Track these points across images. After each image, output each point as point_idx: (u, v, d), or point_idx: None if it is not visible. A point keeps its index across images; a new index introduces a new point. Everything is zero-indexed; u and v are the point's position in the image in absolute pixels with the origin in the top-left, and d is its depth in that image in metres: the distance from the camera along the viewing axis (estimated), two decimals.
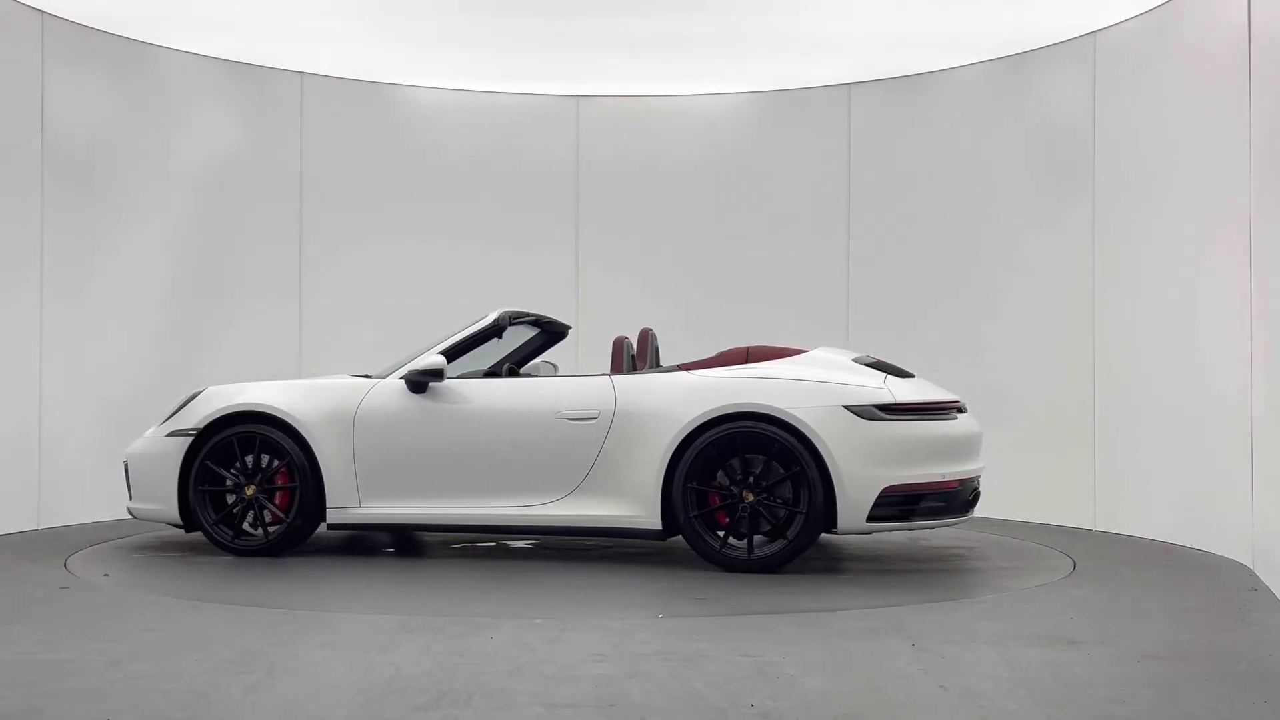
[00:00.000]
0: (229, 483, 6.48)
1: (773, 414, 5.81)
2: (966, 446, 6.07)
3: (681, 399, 5.98)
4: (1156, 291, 7.13)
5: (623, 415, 6.05)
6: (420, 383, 6.35)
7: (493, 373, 6.83)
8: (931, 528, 6.15)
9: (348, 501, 6.38)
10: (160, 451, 6.58)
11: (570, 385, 6.31)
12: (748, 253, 9.38)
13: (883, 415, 5.81)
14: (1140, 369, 7.27)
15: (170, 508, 6.51)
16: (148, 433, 6.77)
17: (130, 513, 6.73)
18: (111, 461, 7.91)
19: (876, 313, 8.99)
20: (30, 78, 7.39)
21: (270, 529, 6.43)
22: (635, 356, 6.43)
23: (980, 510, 8.23)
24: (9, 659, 3.97)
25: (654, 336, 6.60)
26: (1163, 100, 7.14)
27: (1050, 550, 6.67)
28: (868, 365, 6.17)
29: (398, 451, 6.34)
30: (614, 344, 6.41)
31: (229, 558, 6.36)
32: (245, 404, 6.51)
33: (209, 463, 6.48)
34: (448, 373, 6.37)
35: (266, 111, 8.83)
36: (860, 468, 5.75)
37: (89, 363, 7.76)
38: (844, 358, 6.21)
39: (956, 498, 5.96)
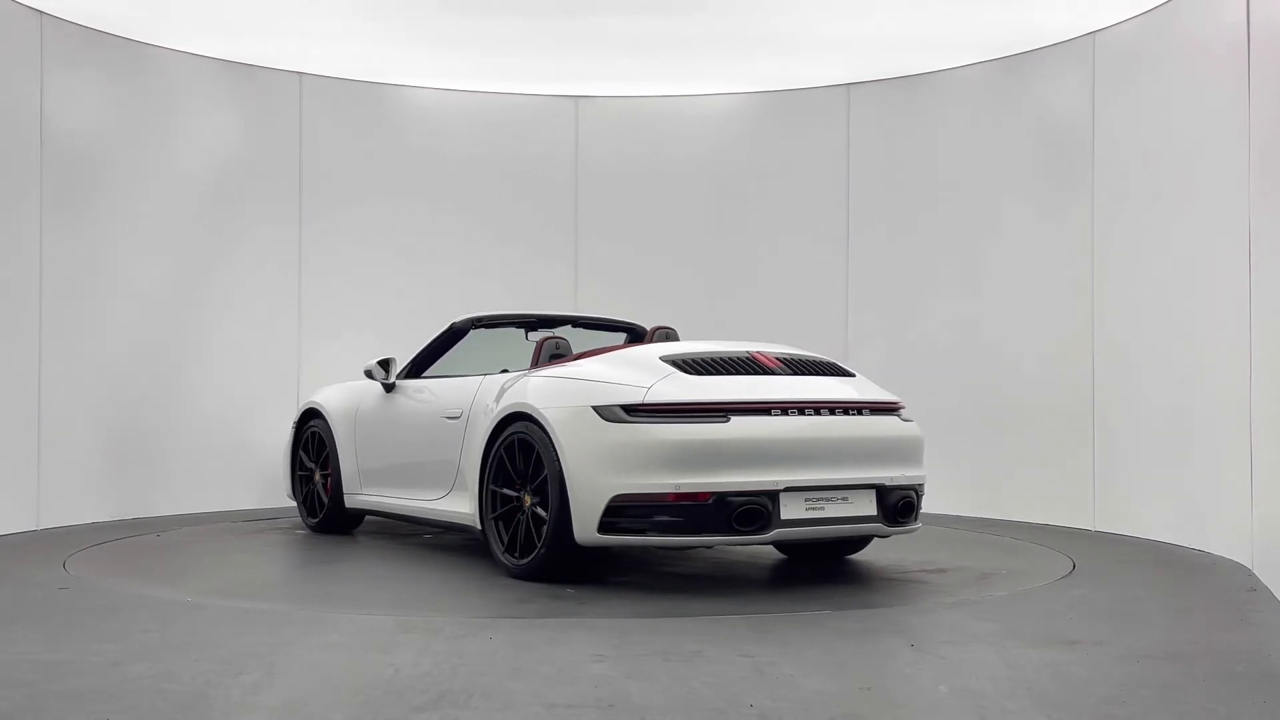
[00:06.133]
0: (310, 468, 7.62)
1: (532, 414, 5.50)
2: (751, 453, 5.21)
3: (498, 399, 5.82)
4: (1155, 291, 7.13)
5: (474, 416, 6.03)
6: (388, 384, 7.02)
7: None
8: (686, 547, 5.73)
9: (354, 489, 7.18)
10: (286, 442, 7.88)
11: (454, 386, 6.47)
12: (747, 252, 9.39)
13: (626, 417, 5.21)
14: (1140, 369, 7.27)
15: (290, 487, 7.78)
16: None
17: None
18: (111, 461, 7.92)
19: (876, 313, 8.99)
20: (30, 78, 7.39)
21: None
22: None
23: (980, 510, 8.29)
24: (9, 659, 3.97)
25: (662, 334, 6.55)
26: (1162, 100, 7.14)
27: (1050, 550, 6.67)
28: (735, 359, 5.55)
29: (374, 445, 7.04)
30: (649, 332, 6.62)
31: (228, 557, 6.47)
32: (311, 402, 7.67)
33: (300, 451, 7.64)
34: (387, 375, 7.01)
35: (266, 111, 8.83)
36: (593, 473, 5.22)
37: (89, 363, 7.76)
38: (655, 353, 5.63)
39: (707, 514, 5.11)
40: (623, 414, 5.23)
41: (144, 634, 4.38)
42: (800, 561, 6.32)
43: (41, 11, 7.42)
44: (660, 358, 5.54)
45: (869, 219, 9.04)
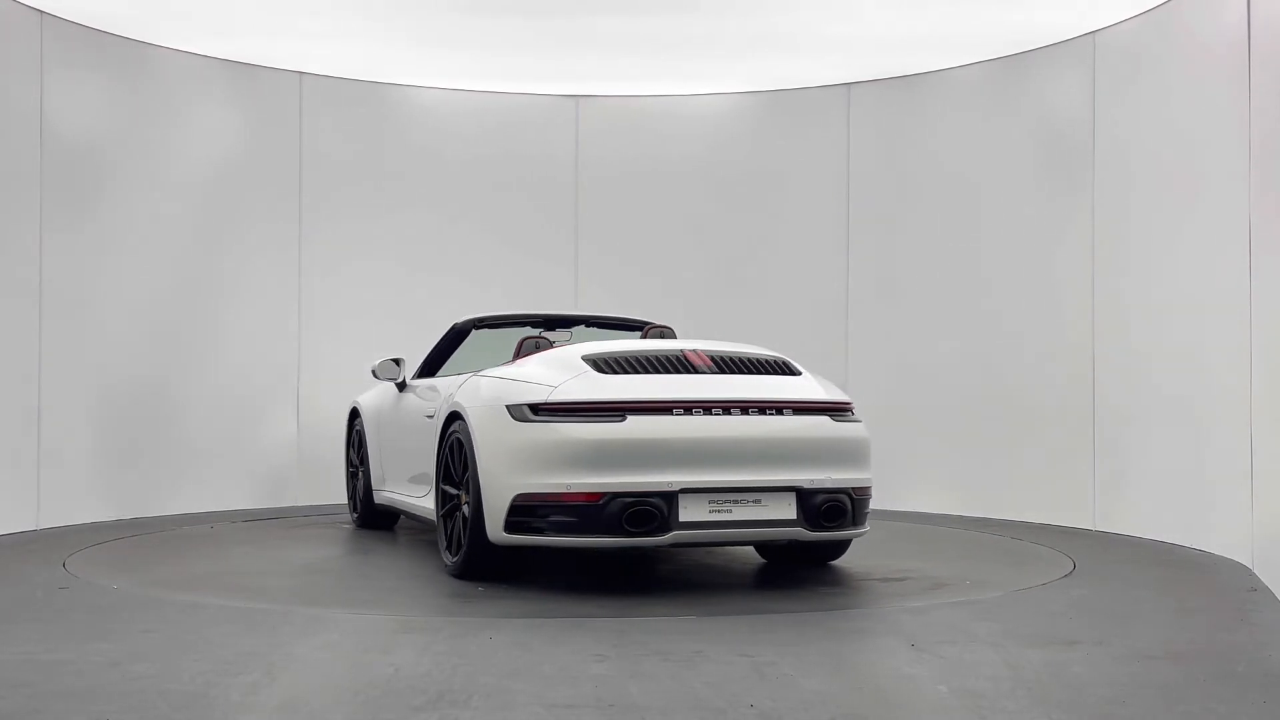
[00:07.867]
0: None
1: (462, 414, 5.52)
2: (646, 453, 5.06)
3: (452, 399, 5.80)
4: (1155, 291, 7.13)
5: (440, 414, 6.03)
6: (399, 383, 7.18)
7: None
8: (583, 549, 5.44)
9: (379, 485, 7.38)
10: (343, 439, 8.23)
11: (439, 385, 6.51)
12: (748, 252, 9.38)
13: (532, 416, 5.16)
14: (1140, 369, 7.27)
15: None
16: None
17: None
18: (111, 461, 7.92)
19: (876, 312, 8.99)
20: (30, 78, 7.39)
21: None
22: None
23: (981, 510, 8.29)
24: (9, 659, 3.97)
25: (657, 333, 6.57)
26: (1162, 100, 7.14)
27: (1049, 550, 6.67)
28: (662, 358, 5.39)
29: (388, 443, 7.23)
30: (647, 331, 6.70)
31: (227, 556, 6.48)
32: (354, 402, 7.94)
33: (349, 449, 7.92)
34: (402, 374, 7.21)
35: (266, 111, 8.83)
36: (501, 472, 5.20)
37: (89, 363, 7.76)
38: (577, 353, 5.51)
39: (599, 515, 5.00)
40: (529, 413, 5.18)
41: (144, 634, 4.38)
42: (780, 565, 6.15)
43: (41, 11, 7.42)
44: (581, 357, 5.45)
45: (869, 219, 9.04)
